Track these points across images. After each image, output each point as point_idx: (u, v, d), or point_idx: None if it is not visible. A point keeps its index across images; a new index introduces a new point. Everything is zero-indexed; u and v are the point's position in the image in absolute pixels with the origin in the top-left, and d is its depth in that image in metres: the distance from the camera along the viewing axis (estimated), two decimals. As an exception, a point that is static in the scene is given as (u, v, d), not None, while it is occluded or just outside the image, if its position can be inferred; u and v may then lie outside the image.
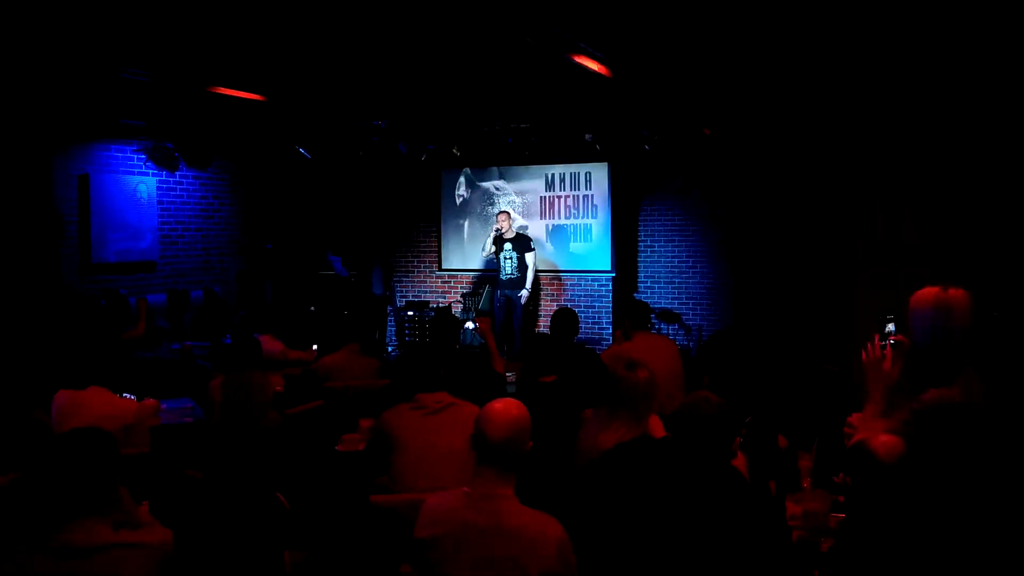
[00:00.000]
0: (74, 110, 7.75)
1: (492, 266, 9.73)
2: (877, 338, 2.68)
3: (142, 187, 8.80)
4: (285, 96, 7.86)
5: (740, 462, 2.83)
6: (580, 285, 10.09)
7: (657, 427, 3.60)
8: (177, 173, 9.10)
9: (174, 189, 9.30)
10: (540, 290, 10.16)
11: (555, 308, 6.00)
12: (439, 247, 10.78)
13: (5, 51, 5.89)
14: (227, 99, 7.61)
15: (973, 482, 2.45)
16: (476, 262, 10.45)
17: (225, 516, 1.63)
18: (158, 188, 9.02)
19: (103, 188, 8.37)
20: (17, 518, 2.42)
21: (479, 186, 10.51)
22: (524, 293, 9.37)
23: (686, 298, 10.04)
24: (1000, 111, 7.10)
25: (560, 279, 10.18)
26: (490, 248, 9.52)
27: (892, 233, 8.11)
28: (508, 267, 9.35)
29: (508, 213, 9.64)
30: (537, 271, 9.66)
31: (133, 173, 8.75)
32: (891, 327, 2.70)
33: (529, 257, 9.37)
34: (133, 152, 8.74)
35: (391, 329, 10.50)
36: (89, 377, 4.18)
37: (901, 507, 2.26)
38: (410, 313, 10.01)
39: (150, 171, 8.86)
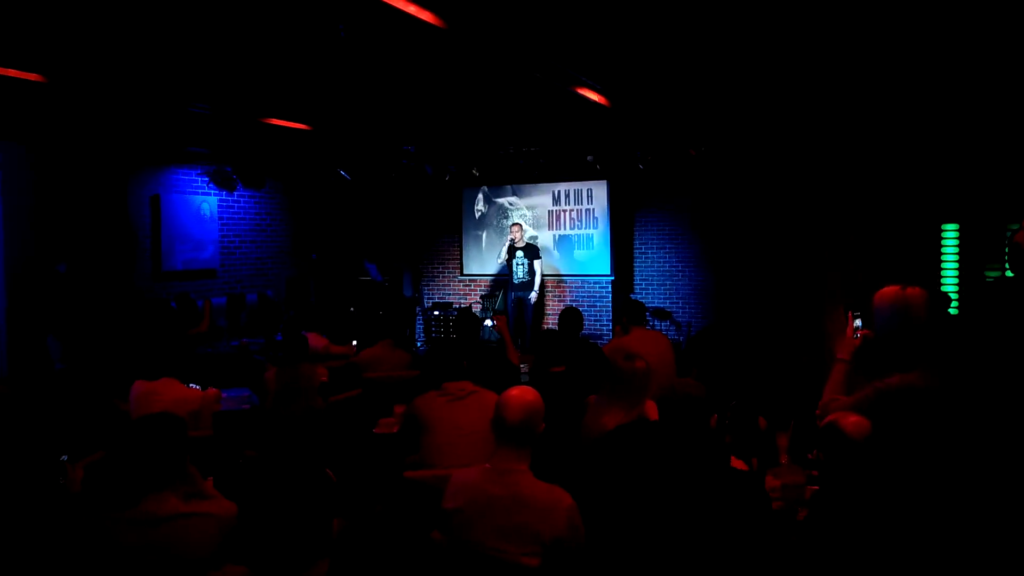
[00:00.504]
0: (147, 139, 7.82)
1: (505, 272, 9.72)
2: (842, 309, 2.75)
3: (205, 205, 8.85)
4: (328, 126, 7.89)
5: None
6: (583, 287, 10.06)
7: (652, 411, 3.57)
8: (235, 193, 9.15)
9: (232, 207, 9.35)
10: (548, 292, 10.14)
11: (562, 308, 5.98)
12: (461, 255, 10.77)
13: (91, 89, 5.95)
14: (278, 129, 7.66)
15: (929, 457, 2.43)
16: (493, 268, 10.43)
17: (281, 489, 1.63)
18: (219, 206, 9.07)
19: (172, 206, 8.42)
20: (102, 491, 2.43)
21: (495, 202, 10.51)
22: (533, 295, 9.35)
23: (676, 298, 9.99)
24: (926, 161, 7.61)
25: (566, 282, 10.14)
26: (504, 255, 9.51)
27: (851, 241, 8.20)
28: (520, 272, 9.34)
29: (520, 225, 9.63)
30: (544, 275, 9.65)
31: (197, 193, 8.80)
32: (858, 323, 2.70)
33: (537, 264, 9.35)
34: (197, 175, 8.79)
35: (420, 327, 10.51)
36: (161, 370, 4.19)
37: (868, 479, 2.25)
38: (436, 313, 10.01)
39: (212, 191, 8.91)
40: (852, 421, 2.37)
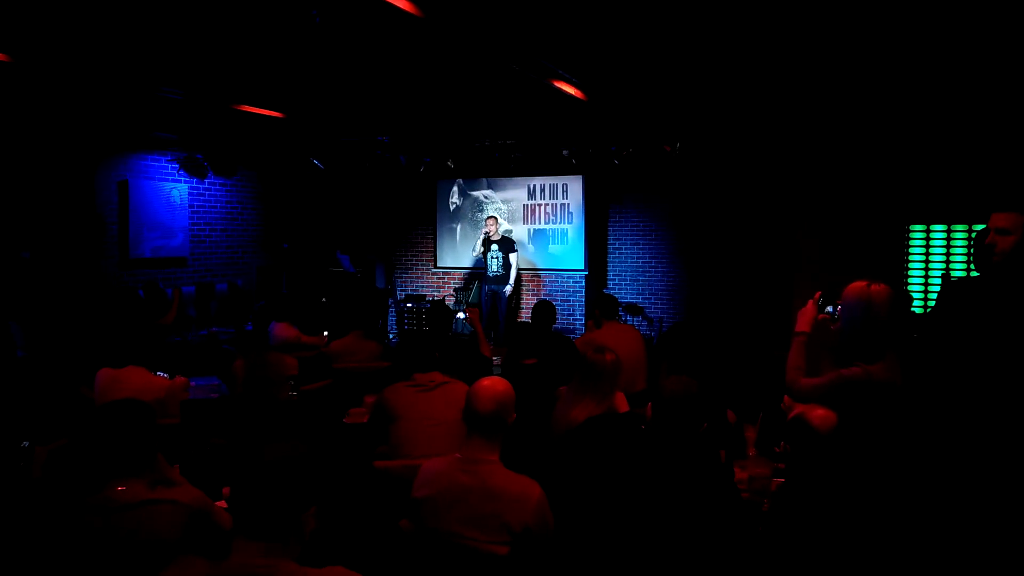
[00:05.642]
0: (115, 124, 7.68)
1: (481, 264, 9.72)
2: (816, 297, 2.87)
3: (175, 192, 8.73)
4: (301, 114, 7.81)
5: None
6: (557, 281, 10.10)
7: (622, 402, 3.61)
8: (206, 180, 9.03)
9: (203, 194, 9.23)
10: (522, 285, 10.16)
11: (535, 301, 5.99)
12: (435, 247, 10.75)
13: (57, 72, 5.83)
14: (250, 116, 7.56)
15: (893, 450, 2.49)
16: (467, 261, 10.43)
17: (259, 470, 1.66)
18: (189, 193, 8.95)
19: (141, 193, 8.29)
20: (66, 478, 2.40)
21: (470, 195, 10.49)
22: (508, 288, 9.36)
23: (649, 293, 10.07)
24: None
25: (540, 276, 10.17)
26: (479, 249, 9.51)
27: (822, 244, 8.36)
28: (494, 265, 9.34)
29: (496, 218, 9.63)
30: (519, 269, 9.67)
31: (167, 180, 8.67)
32: (829, 309, 2.83)
33: (512, 257, 9.36)
34: (167, 162, 8.67)
35: (392, 319, 10.47)
36: (127, 357, 4.13)
37: (834, 470, 2.29)
38: (409, 305, 9.98)
39: (182, 178, 8.79)
40: (819, 414, 2.42)
